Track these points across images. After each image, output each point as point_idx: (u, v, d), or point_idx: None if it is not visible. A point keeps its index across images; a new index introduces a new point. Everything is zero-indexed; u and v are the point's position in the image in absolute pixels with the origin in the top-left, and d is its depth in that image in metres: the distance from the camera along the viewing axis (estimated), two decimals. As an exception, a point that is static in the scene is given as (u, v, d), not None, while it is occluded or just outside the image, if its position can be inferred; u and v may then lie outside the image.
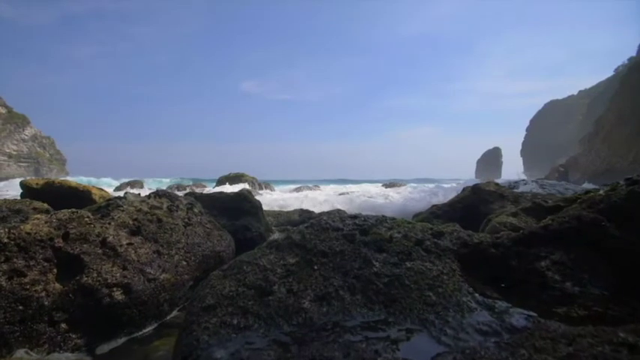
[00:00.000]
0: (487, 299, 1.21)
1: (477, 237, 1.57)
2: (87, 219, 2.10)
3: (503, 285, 1.32)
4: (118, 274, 1.96)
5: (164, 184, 23.38)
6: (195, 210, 2.87)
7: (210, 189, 17.55)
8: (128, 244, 2.14)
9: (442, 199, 5.26)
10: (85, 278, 1.88)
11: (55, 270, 1.87)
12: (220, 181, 20.60)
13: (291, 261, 1.42)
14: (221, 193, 4.92)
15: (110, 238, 2.08)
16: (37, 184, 7.37)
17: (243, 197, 4.72)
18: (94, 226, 2.10)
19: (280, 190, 17.57)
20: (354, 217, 1.74)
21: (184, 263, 2.35)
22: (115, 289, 1.92)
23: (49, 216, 2.01)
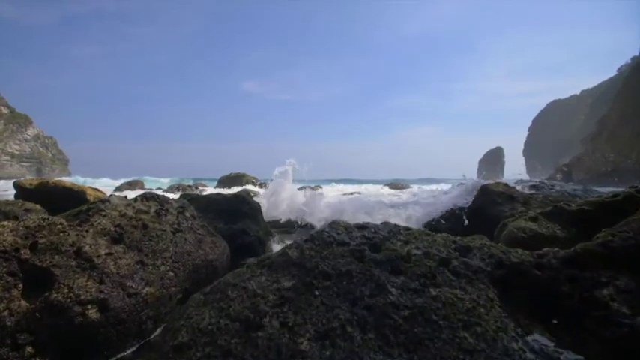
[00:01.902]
0: (546, 346, 0.95)
1: (516, 255, 1.31)
2: (60, 226, 1.88)
3: (554, 321, 1.07)
4: (93, 289, 1.73)
5: (164, 184, 23.16)
6: (187, 214, 2.64)
7: (211, 189, 17.33)
8: (107, 254, 1.91)
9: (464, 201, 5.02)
10: (55, 294, 1.65)
11: (20, 285, 1.65)
12: (221, 181, 20.40)
13: (287, 284, 1.17)
14: (218, 194, 4.70)
15: (86, 248, 1.85)
16: (30, 184, 7.17)
17: (242, 199, 4.50)
18: (68, 235, 1.87)
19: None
20: (362, 227, 1.48)
21: (171, 274, 2.12)
22: (89, 306, 1.69)
23: (15, 223, 1.79)
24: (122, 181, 19.67)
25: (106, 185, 18.16)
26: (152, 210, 2.44)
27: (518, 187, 5.99)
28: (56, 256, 1.75)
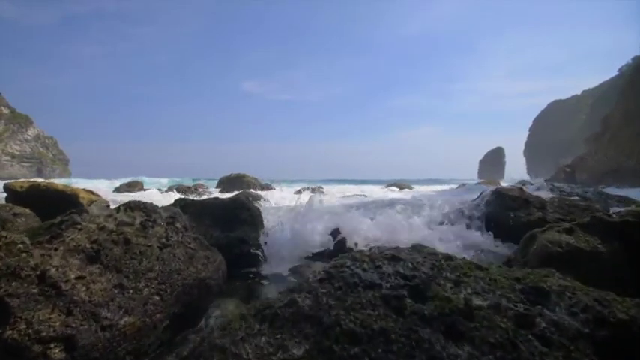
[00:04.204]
0: None
1: (619, 307, 0.96)
2: (20, 245, 1.58)
3: None
4: (58, 323, 1.43)
5: (163, 184, 22.84)
6: (177, 225, 2.34)
7: (212, 190, 17.03)
8: (78, 277, 1.61)
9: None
10: (10, 331, 1.35)
11: (-33, 320, 1.35)
12: (221, 182, 20.11)
13: (297, 352, 0.83)
14: (216, 199, 4.40)
15: (52, 272, 1.56)
16: (21, 187, 6.87)
17: (240, 204, 4.20)
18: (31, 256, 1.57)
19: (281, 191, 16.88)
20: (394, 258, 1.13)
21: (157, 298, 1.82)
22: (52, 344, 1.39)
23: (-36, 243, 1.49)
24: (120, 181, 19.37)
25: (105, 186, 17.85)
26: (137, 221, 2.14)
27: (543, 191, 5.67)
28: (14, 283, 1.46)
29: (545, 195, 5.15)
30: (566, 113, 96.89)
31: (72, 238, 1.80)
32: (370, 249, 1.22)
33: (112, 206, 7.36)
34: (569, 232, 2.33)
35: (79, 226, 1.92)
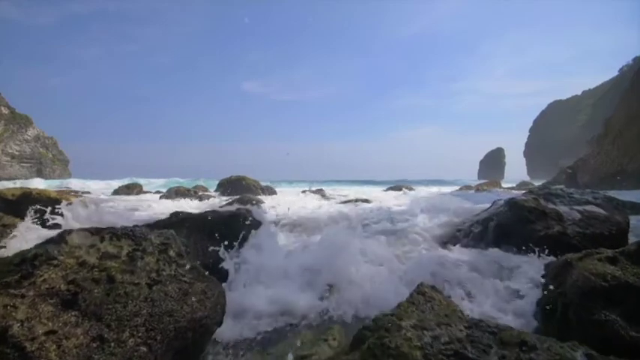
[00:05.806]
0: None
1: None
2: (-23, 297, 1.32)
3: None
4: (18, 397, 1.17)
5: (162, 185, 22.47)
6: (171, 253, 2.07)
7: (211, 193, 16.77)
8: (48, 332, 1.34)
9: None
10: (-44, 412, 1.09)
11: None
12: (221, 184, 19.87)
13: None
14: (214, 212, 4.15)
15: (15, 328, 1.29)
16: (13, 194, 6.59)
17: (242, 218, 3.95)
18: (-10, 309, 1.31)
19: (282, 193, 16.63)
20: (462, 358, 0.81)
21: (144, 350, 1.55)
22: None
23: None
24: (119, 182, 19.06)
25: (100, 187, 17.58)
26: (124, 252, 1.88)
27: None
28: (-35, 347, 1.19)
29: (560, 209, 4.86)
30: (566, 113, 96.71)
31: (44, 279, 1.53)
32: (421, 340, 0.91)
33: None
34: (612, 261, 2.07)
35: (55, 262, 1.65)
